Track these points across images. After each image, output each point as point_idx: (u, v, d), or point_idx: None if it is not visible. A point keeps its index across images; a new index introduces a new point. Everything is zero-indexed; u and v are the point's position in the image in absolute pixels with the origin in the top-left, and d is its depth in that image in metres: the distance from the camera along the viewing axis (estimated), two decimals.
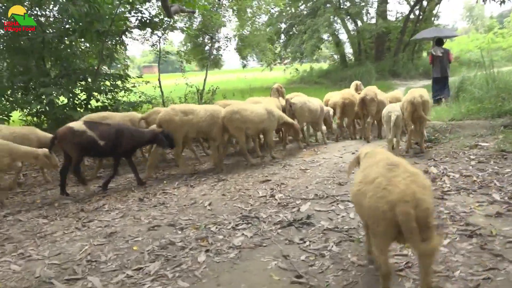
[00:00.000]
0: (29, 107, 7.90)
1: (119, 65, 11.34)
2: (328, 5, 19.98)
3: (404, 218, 2.19)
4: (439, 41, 11.46)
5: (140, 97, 9.77)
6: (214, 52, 25.64)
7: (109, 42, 8.53)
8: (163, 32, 10.37)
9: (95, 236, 3.93)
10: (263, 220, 4.02)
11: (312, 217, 3.98)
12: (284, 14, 24.26)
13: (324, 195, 4.57)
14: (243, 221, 4.06)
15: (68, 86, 8.05)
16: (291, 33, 22.00)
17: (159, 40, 11.05)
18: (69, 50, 8.58)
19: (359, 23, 27.37)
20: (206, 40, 27.43)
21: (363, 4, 22.26)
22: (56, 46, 8.22)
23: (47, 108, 7.75)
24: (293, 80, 26.50)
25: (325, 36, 23.56)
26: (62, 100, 8.12)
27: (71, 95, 7.97)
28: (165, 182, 5.82)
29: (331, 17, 20.52)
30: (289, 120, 6.97)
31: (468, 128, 8.24)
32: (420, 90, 6.87)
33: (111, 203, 4.96)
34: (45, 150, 5.36)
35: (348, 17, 22.73)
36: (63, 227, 4.26)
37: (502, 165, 5.01)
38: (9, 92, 8.02)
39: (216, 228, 3.94)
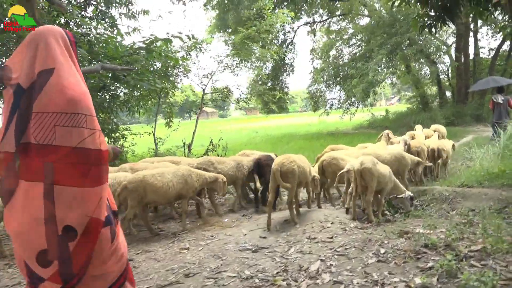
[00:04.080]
0: None
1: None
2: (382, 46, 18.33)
3: (276, 172, 5.40)
4: (500, 89, 11.98)
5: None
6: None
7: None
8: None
9: None
10: None
11: None
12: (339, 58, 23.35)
13: None
14: None
15: None
16: (348, 76, 20.66)
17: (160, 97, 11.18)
18: None
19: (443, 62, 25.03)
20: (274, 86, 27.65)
21: (429, 46, 20.06)
22: None
23: None
24: (362, 125, 24.86)
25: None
26: None
27: None
28: None
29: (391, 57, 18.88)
30: None
31: (471, 199, 6.54)
32: (365, 157, 5.75)
33: None
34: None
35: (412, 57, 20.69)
36: None
37: (397, 271, 3.61)
38: None
39: None
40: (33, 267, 1.77)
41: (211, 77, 11.84)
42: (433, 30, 6.96)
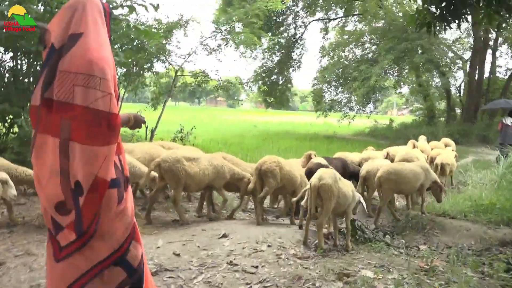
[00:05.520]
0: None
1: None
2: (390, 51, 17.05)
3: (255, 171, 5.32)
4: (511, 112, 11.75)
5: None
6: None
7: None
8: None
9: None
10: None
11: None
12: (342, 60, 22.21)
13: None
14: None
15: None
16: (350, 78, 19.45)
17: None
18: None
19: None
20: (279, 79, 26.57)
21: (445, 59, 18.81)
22: None
23: None
24: (364, 132, 23.71)
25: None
26: None
27: None
28: None
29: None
30: None
31: (450, 233, 5.63)
32: (325, 171, 4.74)
33: None
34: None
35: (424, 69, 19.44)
36: None
37: None
38: None
39: None
40: (53, 215, 1.92)
41: (186, 59, 10.82)
42: (432, 29, 5.90)
